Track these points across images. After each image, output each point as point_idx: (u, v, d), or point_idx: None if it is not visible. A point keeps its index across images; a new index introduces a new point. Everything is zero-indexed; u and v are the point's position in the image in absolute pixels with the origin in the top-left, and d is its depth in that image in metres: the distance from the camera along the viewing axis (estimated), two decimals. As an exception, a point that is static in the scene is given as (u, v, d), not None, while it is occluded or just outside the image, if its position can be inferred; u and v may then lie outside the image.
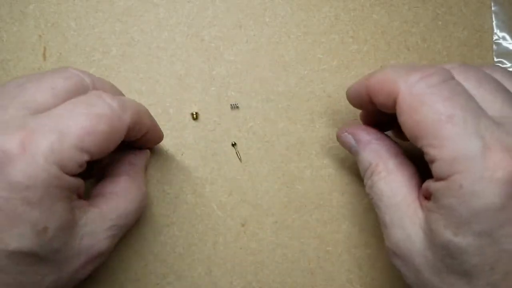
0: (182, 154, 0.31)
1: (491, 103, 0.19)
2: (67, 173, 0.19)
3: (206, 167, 0.31)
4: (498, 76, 0.21)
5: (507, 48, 0.32)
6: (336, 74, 0.31)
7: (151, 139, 0.27)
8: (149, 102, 0.31)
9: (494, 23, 0.32)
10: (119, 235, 0.24)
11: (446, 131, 0.18)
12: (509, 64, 0.32)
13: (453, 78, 0.20)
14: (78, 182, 0.21)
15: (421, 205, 0.21)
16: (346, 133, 0.26)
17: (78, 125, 0.20)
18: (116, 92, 0.25)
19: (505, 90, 0.20)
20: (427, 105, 0.19)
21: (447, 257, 0.19)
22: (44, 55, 0.31)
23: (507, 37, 0.32)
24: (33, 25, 0.31)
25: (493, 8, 0.32)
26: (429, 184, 0.20)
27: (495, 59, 0.32)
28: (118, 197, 0.24)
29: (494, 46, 0.32)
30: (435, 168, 0.19)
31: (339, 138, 0.27)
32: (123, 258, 0.30)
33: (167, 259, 0.30)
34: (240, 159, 0.31)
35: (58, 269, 0.21)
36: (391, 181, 0.22)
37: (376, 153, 0.24)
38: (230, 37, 0.31)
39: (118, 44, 0.31)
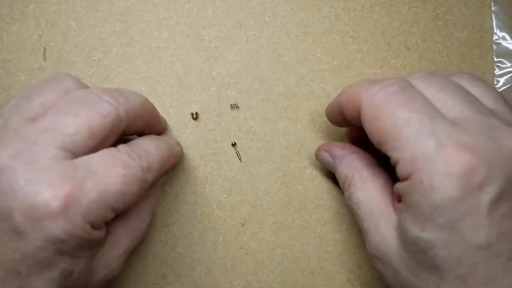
0: (182, 154, 0.31)
1: (452, 105, 0.21)
2: (95, 228, 0.20)
3: (206, 167, 0.31)
4: (464, 82, 0.23)
5: (507, 48, 0.32)
6: (336, 74, 0.31)
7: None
8: (149, 102, 0.31)
9: (494, 23, 0.32)
10: (129, 253, 0.25)
11: (404, 134, 0.20)
12: (509, 64, 0.32)
13: (411, 86, 0.21)
14: (103, 232, 0.21)
15: (394, 208, 0.22)
16: (322, 151, 0.28)
17: (116, 187, 0.20)
18: (144, 110, 0.24)
19: (467, 94, 0.21)
20: (386, 112, 0.20)
21: (418, 253, 0.20)
22: (44, 55, 0.31)
23: (507, 37, 0.32)
24: (33, 25, 0.31)
25: (493, 8, 0.32)
26: (397, 185, 0.21)
27: (495, 59, 0.32)
28: (129, 219, 0.24)
29: (494, 46, 0.32)
30: (399, 170, 0.20)
31: (317, 157, 0.29)
32: (123, 258, 0.30)
33: (167, 259, 0.30)
34: (240, 159, 0.31)
35: None
36: (366, 189, 0.24)
37: (351, 166, 0.25)
38: (230, 37, 0.31)
39: (118, 44, 0.31)
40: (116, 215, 0.21)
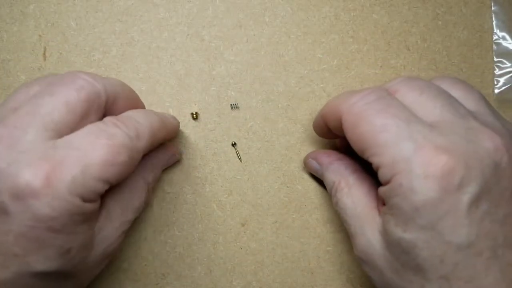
0: (182, 154, 0.31)
1: (432, 109, 0.21)
2: (87, 201, 0.20)
3: (206, 167, 0.31)
4: (446, 85, 0.23)
5: (507, 48, 0.32)
6: (336, 74, 0.31)
7: (165, 141, 0.27)
8: (149, 102, 0.31)
9: (494, 23, 0.32)
10: (128, 227, 0.25)
11: (382, 139, 0.20)
12: (509, 64, 0.32)
13: (389, 94, 0.22)
14: (97, 204, 0.21)
15: (379, 211, 0.22)
16: (310, 159, 0.29)
17: (101, 157, 0.20)
18: (125, 91, 0.25)
19: (447, 96, 0.22)
20: (365, 120, 0.21)
21: (401, 254, 0.20)
22: (44, 55, 0.31)
23: (507, 37, 0.32)
24: (33, 25, 0.31)
25: (493, 8, 0.32)
26: (380, 189, 0.21)
27: (495, 59, 0.32)
28: (122, 191, 0.25)
29: (494, 46, 0.32)
30: (380, 174, 0.21)
31: (306, 165, 0.30)
32: (123, 258, 0.30)
33: (167, 259, 0.30)
34: (240, 159, 0.31)
35: (78, 277, 0.22)
36: (352, 194, 0.24)
37: (337, 172, 0.26)
38: (230, 37, 0.31)
39: (118, 44, 0.31)
40: (111, 187, 0.22)
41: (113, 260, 0.30)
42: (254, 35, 0.31)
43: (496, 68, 0.32)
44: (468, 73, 0.32)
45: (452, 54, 0.32)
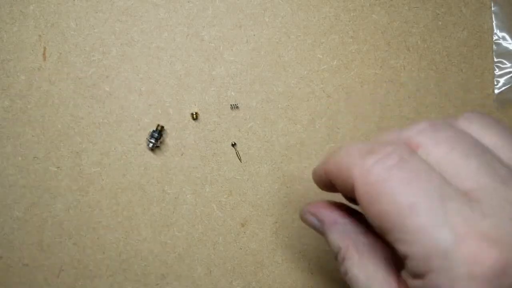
0: (182, 154, 0.31)
1: (466, 171, 0.17)
2: None
3: (206, 167, 0.31)
4: (474, 129, 0.19)
5: (507, 48, 0.32)
6: (336, 74, 0.31)
7: None
8: (149, 102, 0.31)
9: (494, 23, 0.32)
10: None
11: (411, 225, 0.16)
12: (509, 64, 0.32)
13: (412, 153, 0.18)
14: None
15: (398, 285, 0.19)
16: (308, 214, 0.24)
17: None
18: None
19: (481, 150, 0.18)
20: (386, 194, 0.17)
21: None
22: (44, 55, 0.31)
23: (507, 37, 0.32)
24: (33, 25, 0.31)
25: (493, 8, 0.32)
26: (407, 279, 0.18)
27: (495, 59, 0.32)
28: None
29: (494, 46, 0.32)
30: (409, 266, 0.17)
31: (303, 220, 0.25)
32: (123, 258, 0.30)
33: (167, 260, 0.30)
34: (240, 159, 0.31)
35: None
36: (365, 265, 0.20)
37: (344, 235, 0.22)
38: (230, 37, 0.31)
39: (118, 44, 0.31)
40: None
41: (113, 260, 0.30)
42: (254, 35, 0.31)
43: (496, 68, 0.32)
44: (468, 73, 0.32)
45: (452, 54, 0.32)
